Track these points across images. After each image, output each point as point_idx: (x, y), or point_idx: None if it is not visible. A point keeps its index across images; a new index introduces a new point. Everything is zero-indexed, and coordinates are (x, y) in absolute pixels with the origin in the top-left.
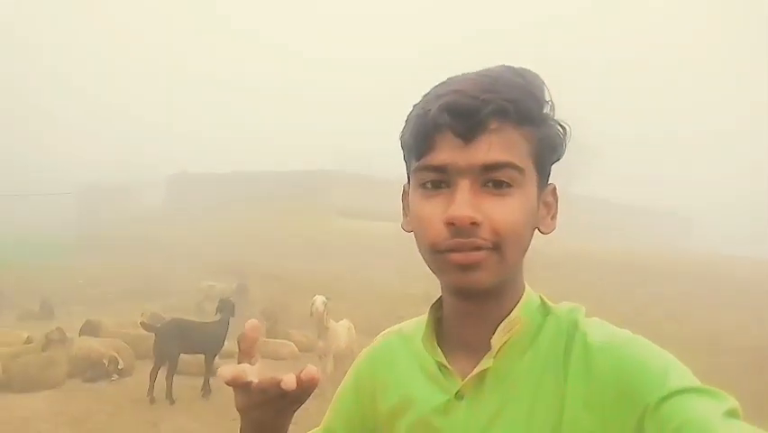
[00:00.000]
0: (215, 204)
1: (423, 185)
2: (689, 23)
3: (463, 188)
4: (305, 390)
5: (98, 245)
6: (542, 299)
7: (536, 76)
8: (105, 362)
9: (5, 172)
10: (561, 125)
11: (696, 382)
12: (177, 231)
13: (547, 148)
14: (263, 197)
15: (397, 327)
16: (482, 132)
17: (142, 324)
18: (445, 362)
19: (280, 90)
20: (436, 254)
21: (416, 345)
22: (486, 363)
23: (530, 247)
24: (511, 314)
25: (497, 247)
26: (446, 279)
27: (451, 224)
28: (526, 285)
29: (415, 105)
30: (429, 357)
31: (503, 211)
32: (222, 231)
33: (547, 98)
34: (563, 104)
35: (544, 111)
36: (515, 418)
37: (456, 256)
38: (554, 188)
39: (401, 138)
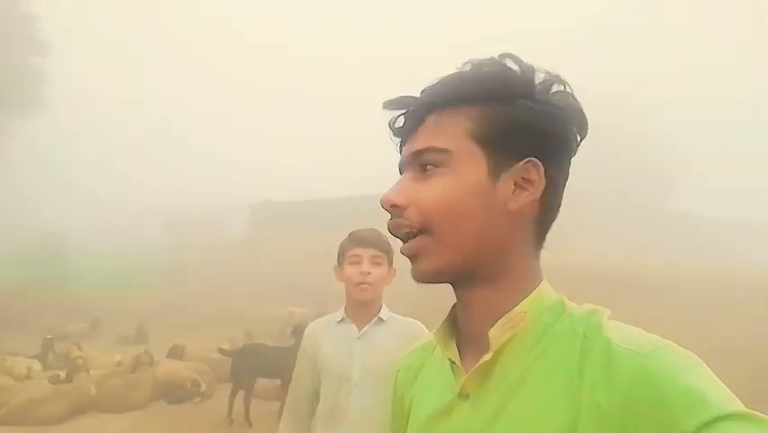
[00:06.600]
0: (297, 231)
1: None
2: None
3: (403, 178)
4: None
5: (188, 273)
6: (562, 301)
7: (512, 59)
8: (188, 384)
9: (105, 205)
10: (553, 104)
11: (737, 405)
12: (259, 258)
13: (505, 125)
14: (344, 223)
15: (426, 336)
16: (418, 125)
17: (220, 350)
18: (456, 359)
19: (362, 116)
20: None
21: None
22: (485, 357)
23: (617, 268)
24: (515, 309)
25: (425, 230)
26: None
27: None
28: (544, 283)
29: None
30: (444, 356)
31: (427, 192)
32: (303, 258)
33: (523, 81)
34: (655, 114)
35: (514, 91)
36: (516, 418)
37: (402, 247)
38: (533, 164)
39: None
